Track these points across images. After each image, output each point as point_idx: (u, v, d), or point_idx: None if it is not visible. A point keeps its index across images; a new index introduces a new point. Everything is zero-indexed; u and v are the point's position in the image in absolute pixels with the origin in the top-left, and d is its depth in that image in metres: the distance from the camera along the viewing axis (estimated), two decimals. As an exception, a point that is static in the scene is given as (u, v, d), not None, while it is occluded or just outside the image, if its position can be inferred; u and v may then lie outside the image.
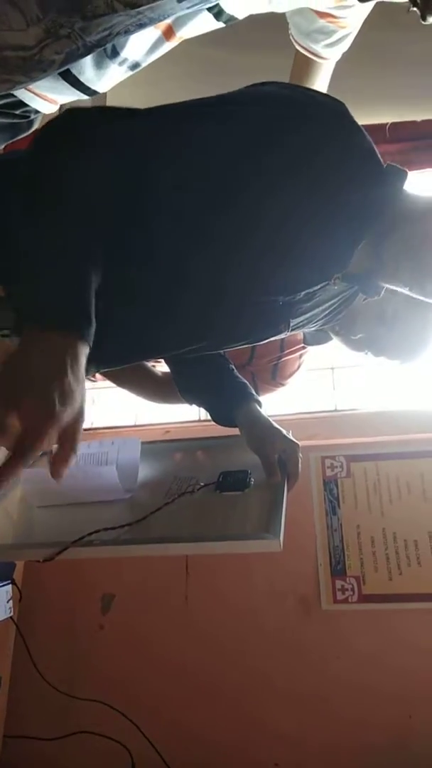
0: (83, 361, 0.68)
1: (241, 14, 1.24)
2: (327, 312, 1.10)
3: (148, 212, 0.85)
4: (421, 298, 0.97)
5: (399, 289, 0.99)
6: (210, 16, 1.19)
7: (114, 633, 1.76)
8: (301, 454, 1.13)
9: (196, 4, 0.99)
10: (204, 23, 1.21)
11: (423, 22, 1.23)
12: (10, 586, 1.65)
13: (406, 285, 0.97)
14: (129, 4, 0.92)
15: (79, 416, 0.67)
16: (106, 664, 1.73)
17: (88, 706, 1.62)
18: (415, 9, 1.17)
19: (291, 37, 1.47)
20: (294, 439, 1.14)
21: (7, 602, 1.63)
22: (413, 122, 1.80)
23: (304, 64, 1.47)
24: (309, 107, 0.87)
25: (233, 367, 1.26)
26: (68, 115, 0.83)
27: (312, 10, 1.35)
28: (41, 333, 0.66)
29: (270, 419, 1.18)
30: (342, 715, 1.59)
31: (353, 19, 1.37)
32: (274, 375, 1.71)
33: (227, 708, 1.64)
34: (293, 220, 0.86)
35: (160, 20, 1.01)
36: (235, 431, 1.20)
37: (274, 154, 0.83)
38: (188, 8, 1.00)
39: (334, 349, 1.65)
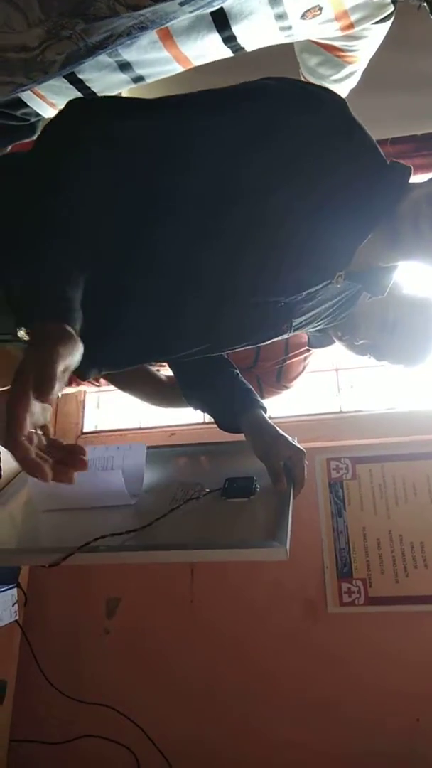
0: (67, 333, 0.70)
1: (251, 46, 1.24)
2: (329, 311, 1.10)
3: (154, 217, 0.85)
4: None
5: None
6: (219, 39, 1.19)
7: (119, 637, 1.76)
8: (307, 462, 1.12)
9: (198, 8, 0.99)
10: (211, 46, 1.21)
11: None
12: (15, 589, 1.64)
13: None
14: (131, 6, 0.91)
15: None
16: (111, 668, 1.72)
17: (93, 710, 1.62)
18: (425, 5, 1.17)
19: (301, 77, 1.48)
20: (300, 446, 1.13)
21: (13, 606, 1.62)
22: (413, 136, 1.86)
23: None
24: (309, 103, 0.86)
25: (238, 372, 1.26)
26: (72, 114, 0.82)
27: (316, 42, 1.34)
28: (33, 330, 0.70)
29: (275, 426, 1.17)
30: (349, 718, 1.58)
31: (362, 53, 1.36)
32: (279, 377, 1.71)
33: (233, 711, 1.63)
34: (294, 219, 0.86)
35: (163, 23, 1.00)
36: (241, 437, 1.20)
37: (273, 153, 0.83)
38: (190, 12, 0.99)
39: (339, 351, 1.65)
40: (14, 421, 0.62)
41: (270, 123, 0.83)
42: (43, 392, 0.64)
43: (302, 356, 1.73)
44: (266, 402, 1.26)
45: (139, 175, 0.82)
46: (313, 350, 1.72)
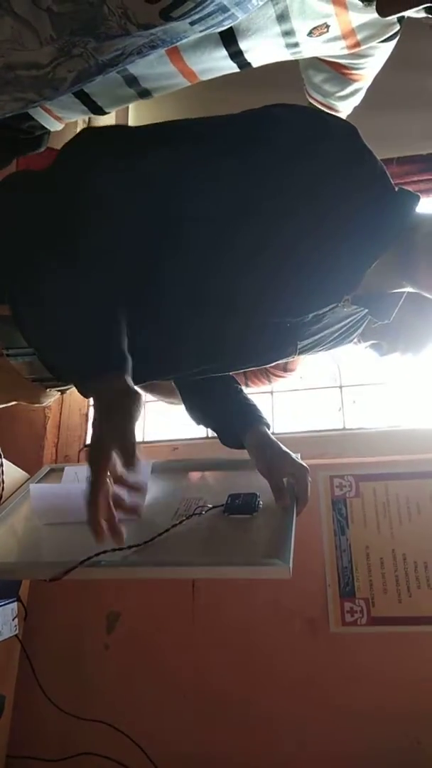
0: (131, 390, 0.76)
1: (258, 62, 1.25)
2: (334, 336, 1.10)
3: (163, 238, 0.86)
4: None
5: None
6: (225, 54, 1.20)
7: (119, 653, 1.74)
8: (310, 478, 1.12)
9: (208, 27, 1.00)
10: (218, 61, 1.22)
11: None
12: (15, 603, 1.63)
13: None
14: (142, 25, 0.92)
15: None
16: (110, 685, 1.71)
17: (92, 726, 1.60)
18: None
19: (306, 93, 1.48)
20: (303, 463, 1.13)
21: (13, 620, 1.61)
22: (420, 155, 1.86)
23: None
24: (319, 131, 0.87)
25: (241, 387, 1.26)
26: (85, 145, 0.86)
27: (322, 59, 1.35)
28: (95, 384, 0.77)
29: (279, 443, 1.16)
30: (349, 739, 1.56)
31: (368, 71, 1.37)
32: (285, 368, 1.72)
33: (233, 730, 1.61)
34: (303, 243, 0.86)
35: (173, 43, 1.02)
36: (244, 453, 1.19)
37: (283, 179, 0.84)
38: (201, 31, 1.00)
39: (343, 367, 1.64)
40: (94, 484, 0.73)
41: (284, 153, 0.84)
42: (130, 461, 0.73)
43: None
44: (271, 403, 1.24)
45: (150, 203, 0.83)
46: None
